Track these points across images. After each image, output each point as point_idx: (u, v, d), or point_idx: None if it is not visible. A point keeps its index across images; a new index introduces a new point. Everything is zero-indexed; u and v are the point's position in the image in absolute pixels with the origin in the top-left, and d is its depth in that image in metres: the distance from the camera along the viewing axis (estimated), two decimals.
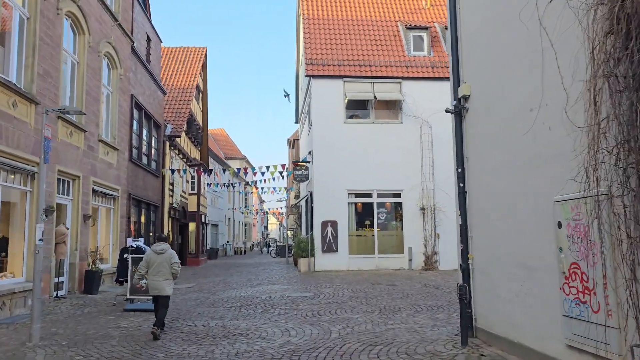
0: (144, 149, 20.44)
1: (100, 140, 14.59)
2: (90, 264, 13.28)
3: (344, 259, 19.25)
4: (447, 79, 20.39)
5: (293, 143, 37.45)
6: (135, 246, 11.99)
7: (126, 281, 11.26)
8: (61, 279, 12.40)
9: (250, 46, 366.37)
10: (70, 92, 13.24)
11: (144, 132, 20.41)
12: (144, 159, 20.30)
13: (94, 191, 14.26)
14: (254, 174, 22.47)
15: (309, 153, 20.97)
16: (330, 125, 19.74)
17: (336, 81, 19.97)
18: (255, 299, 12.09)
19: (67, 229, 12.21)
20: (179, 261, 8.39)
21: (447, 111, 7.46)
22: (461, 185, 7.17)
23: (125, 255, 11.52)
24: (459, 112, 7.28)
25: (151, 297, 10.77)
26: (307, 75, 20.24)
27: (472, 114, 7.07)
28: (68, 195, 12.89)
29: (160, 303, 8.14)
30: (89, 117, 13.84)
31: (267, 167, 20.54)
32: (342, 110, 19.87)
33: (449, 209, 19.69)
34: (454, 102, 7.30)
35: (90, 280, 12.99)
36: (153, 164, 21.75)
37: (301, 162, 21.44)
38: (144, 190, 20.01)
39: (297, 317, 9.57)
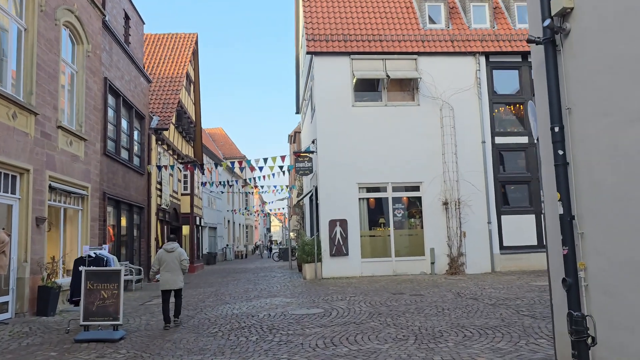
0: (124, 141, 17.84)
1: (60, 127, 11.99)
2: (45, 278, 10.67)
3: (356, 264, 16.65)
4: (471, 53, 18.02)
5: (294, 137, 34.82)
6: (95, 255, 9.40)
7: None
8: (5, 298, 9.80)
9: (246, 40, 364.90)
10: (17, 65, 10.67)
11: (124, 122, 17.81)
12: (124, 154, 17.70)
13: (52, 189, 11.66)
14: (251, 168, 19.82)
15: (313, 142, 18.34)
16: (337, 110, 17.11)
17: (342, 59, 17.34)
18: (250, 319, 9.51)
19: (9, 235, 9.59)
20: (188, 258, 9.46)
21: (529, 41, 4.81)
22: (560, 152, 4.52)
23: (80, 268, 8.91)
24: (551, 39, 4.64)
25: (116, 323, 8.38)
26: (308, 53, 17.61)
27: (579, 37, 4.42)
28: (13, 193, 10.28)
29: (176, 295, 9.24)
30: (43, 97, 11.25)
31: (265, 160, 17.91)
32: (349, 91, 17.23)
33: (476, 203, 17.09)
34: (546, 23, 4.62)
35: (45, 299, 10.38)
36: (136, 160, 19.16)
37: (304, 152, 18.80)
38: (125, 189, 17.43)
39: (304, 348, 7.00)
